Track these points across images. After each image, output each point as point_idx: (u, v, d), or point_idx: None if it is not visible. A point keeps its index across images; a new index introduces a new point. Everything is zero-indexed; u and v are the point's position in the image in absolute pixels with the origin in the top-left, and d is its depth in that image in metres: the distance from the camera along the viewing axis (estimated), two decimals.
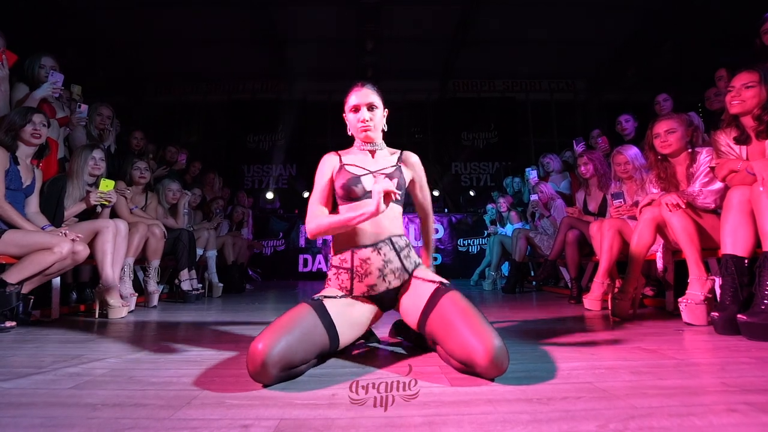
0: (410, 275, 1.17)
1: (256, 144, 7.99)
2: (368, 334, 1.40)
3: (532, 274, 3.80)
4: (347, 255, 1.17)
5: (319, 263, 5.76)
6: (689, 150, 2.04)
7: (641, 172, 2.33)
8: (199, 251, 3.21)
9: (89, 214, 2.33)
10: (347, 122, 1.32)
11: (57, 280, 2.04)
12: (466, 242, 6.02)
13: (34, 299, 2.09)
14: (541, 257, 3.40)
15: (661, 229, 1.95)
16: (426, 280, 1.14)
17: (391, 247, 1.15)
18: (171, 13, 5.63)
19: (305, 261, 5.79)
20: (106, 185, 2.26)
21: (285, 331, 0.94)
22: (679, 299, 1.74)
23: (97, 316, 2.11)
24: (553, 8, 5.88)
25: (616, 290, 2.15)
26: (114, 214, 2.46)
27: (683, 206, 1.76)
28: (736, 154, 1.68)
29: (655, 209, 1.92)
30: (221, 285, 3.34)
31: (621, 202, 2.28)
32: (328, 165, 1.29)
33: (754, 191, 1.49)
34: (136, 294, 2.41)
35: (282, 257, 5.77)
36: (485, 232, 4.76)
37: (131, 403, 0.83)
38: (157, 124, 7.76)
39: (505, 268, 4.13)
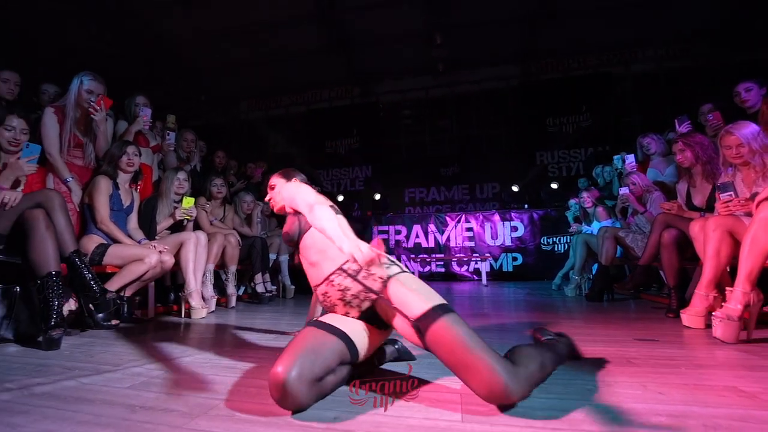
0: (379, 294, 1.05)
1: (334, 149, 8.41)
2: (394, 347, 1.33)
3: (624, 280, 3.27)
4: (315, 292, 1.21)
5: None
6: None
7: (761, 155, 1.81)
8: (273, 256, 3.48)
9: (178, 226, 2.70)
10: None
11: (152, 285, 2.40)
12: (550, 240, 5.48)
13: (139, 300, 2.51)
14: (636, 259, 2.90)
15: None
16: (400, 313, 0.99)
17: (345, 275, 1.08)
18: (249, 36, 6.21)
19: None
20: (188, 202, 2.59)
21: (297, 350, 0.93)
22: None
23: (183, 316, 2.43)
24: None
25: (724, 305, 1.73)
26: (197, 226, 2.80)
27: None
28: None
29: None
30: (293, 287, 3.58)
31: (731, 195, 1.80)
32: None
33: None
34: (217, 296, 2.71)
35: None
36: (569, 229, 4.26)
37: (161, 407, 0.94)
38: (248, 139, 8.70)
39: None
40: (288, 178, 1.38)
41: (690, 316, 1.83)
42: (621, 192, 3.03)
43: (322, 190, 1.39)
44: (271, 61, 7.10)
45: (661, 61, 7.42)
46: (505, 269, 5.51)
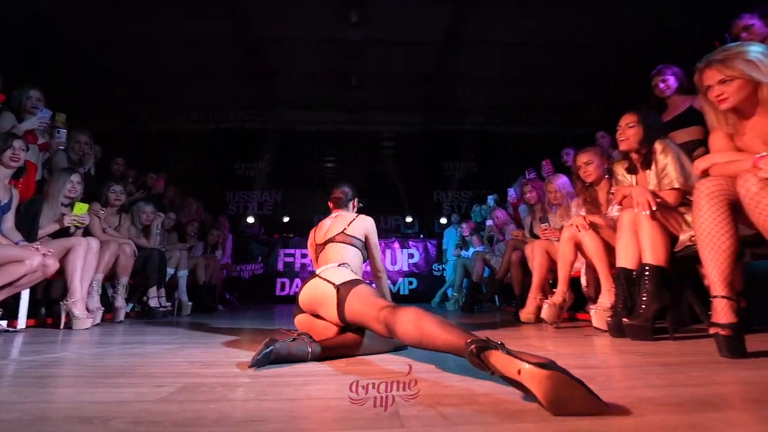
0: None
1: (243, 171, 8.29)
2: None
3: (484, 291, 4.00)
4: None
5: (297, 286, 5.88)
6: (607, 177, 2.32)
7: (568, 198, 2.60)
8: (171, 271, 3.36)
9: (62, 234, 2.50)
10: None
11: (26, 293, 2.19)
12: (440, 267, 6.22)
13: (2, 312, 2.24)
14: None
15: (579, 246, 2.19)
16: None
17: None
18: (164, 44, 5.96)
19: (282, 285, 5.92)
20: (80, 208, 2.45)
21: None
22: (590, 306, 1.96)
23: (62, 327, 2.25)
24: (524, 47, 6.35)
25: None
26: (87, 233, 2.63)
27: (588, 228, 2.02)
28: (628, 182, 1.95)
29: (572, 229, 2.17)
30: (190, 303, 3.46)
31: (547, 225, 2.54)
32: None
33: (636, 213, 1.74)
34: (103, 308, 2.55)
35: (260, 281, 5.89)
36: (444, 257, 5.02)
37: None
38: (145, 151, 8.01)
39: None
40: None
41: (525, 314, 2.44)
42: (487, 224, 3.78)
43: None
44: (182, 72, 6.83)
45: (526, 126, 9.20)
46: (402, 293, 6.03)
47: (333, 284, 1.32)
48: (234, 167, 8.30)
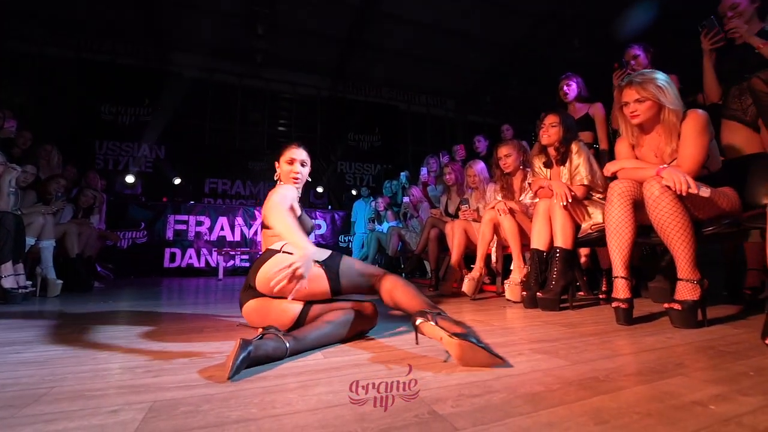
0: None
1: (114, 116, 6.84)
2: None
3: (402, 266, 4.24)
4: None
5: (190, 258, 5.27)
6: (522, 168, 2.61)
7: (484, 183, 2.87)
8: (31, 241, 2.65)
9: None
10: (279, 169, 1.57)
11: None
12: (346, 238, 6.28)
13: None
14: (410, 252, 3.83)
15: (497, 227, 2.46)
16: None
17: None
18: None
19: (173, 255, 5.22)
20: None
21: None
22: (504, 281, 2.24)
23: None
24: (434, 31, 6.59)
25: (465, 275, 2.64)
26: None
27: (507, 212, 2.28)
28: (543, 175, 2.24)
29: (492, 212, 2.41)
30: (60, 282, 2.79)
31: (466, 207, 2.78)
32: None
33: (551, 203, 2.02)
34: None
35: (143, 251, 5.08)
36: (351, 229, 5.14)
37: None
38: None
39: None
40: None
41: (444, 286, 2.67)
42: (404, 200, 3.94)
43: None
44: None
45: (429, 107, 9.69)
46: None
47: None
48: (101, 110, 6.80)
